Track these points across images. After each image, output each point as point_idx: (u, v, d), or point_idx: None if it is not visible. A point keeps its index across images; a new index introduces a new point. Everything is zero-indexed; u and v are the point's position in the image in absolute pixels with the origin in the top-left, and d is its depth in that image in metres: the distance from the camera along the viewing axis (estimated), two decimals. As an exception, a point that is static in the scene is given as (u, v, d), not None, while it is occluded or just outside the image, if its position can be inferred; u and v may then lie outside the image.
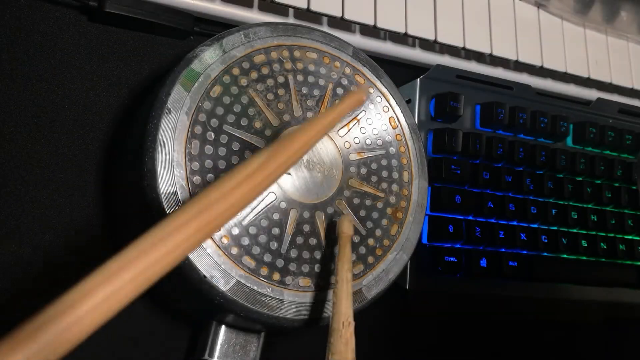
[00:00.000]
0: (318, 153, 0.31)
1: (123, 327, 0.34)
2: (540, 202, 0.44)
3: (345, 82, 0.33)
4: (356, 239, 0.31)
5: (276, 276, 0.28)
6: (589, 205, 0.47)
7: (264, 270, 0.28)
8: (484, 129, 0.44)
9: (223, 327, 0.31)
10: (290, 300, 0.28)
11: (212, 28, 0.38)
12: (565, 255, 0.45)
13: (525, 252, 0.43)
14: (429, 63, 0.45)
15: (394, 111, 0.34)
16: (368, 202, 0.32)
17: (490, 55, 0.46)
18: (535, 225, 0.44)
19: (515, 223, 0.43)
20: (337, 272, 0.27)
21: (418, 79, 0.42)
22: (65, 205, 0.34)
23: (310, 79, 0.32)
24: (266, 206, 0.29)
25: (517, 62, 0.47)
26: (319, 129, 0.23)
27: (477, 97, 0.44)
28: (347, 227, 0.29)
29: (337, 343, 0.25)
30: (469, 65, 0.47)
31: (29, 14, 0.35)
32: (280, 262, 0.29)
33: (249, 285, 0.27)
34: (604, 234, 0.47)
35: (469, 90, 0.44)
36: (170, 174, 0.27)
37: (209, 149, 0.28)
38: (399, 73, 0.44)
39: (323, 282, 0.29)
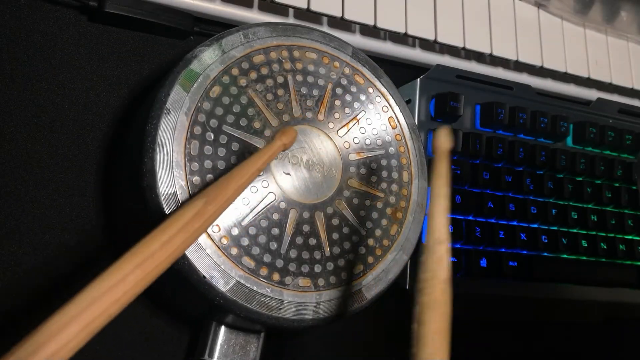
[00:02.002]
0: (318, 153, 0.31)
1: (123, 328, 0.34)
2: (540, 202, 0.44)
3: (344, 82, 0.33)
4: (356, 239, 0.31)
5: (276, 276, 0.28)
6: (589, 205, 0.46)
7: (264, 271, 0.28)
8: (484, 129, 0.44)
9: (223, 328, 0.31)
10: (290, 301, 0.28)
11: (211, 28, 0.38)
12: (565, 255, 0.45)
13: (525, 252, 0.43)
14: (429, 63, 0.45)
15: (393, 111, 0.34)
16: (367, 202, 0.32)
17: (490, 55, 0.46)
18: (535, 225, 0.44)
19: (515, 223, 0.43)
20: (432, 188, 0.25)
21: (418, 79, 0.42)
22: (65, 205, 0.34)
23: (310, 79, 0.32)
24: (266, 206, 0.29)
25: (517, 62, 0.47)
26: (251, 173, 0.25)
27: (477, 97, 0.44)
28: (443, 141, 0.26)
29: (429, 261, 0.23)
30: (469, 65, 0.47)
31: (29, 14, 0.35)
32: (279, 263, 0.29)
33: (248, 285, 0.27)
34: (604, 234, 0.47)
35: (469, 90, 0.44)
36: (170, 174, 0.27)
37: (208, 150, 0.28)
38: (399, 73, 0.44)
39: (323, 283, 0.29)
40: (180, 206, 0.22)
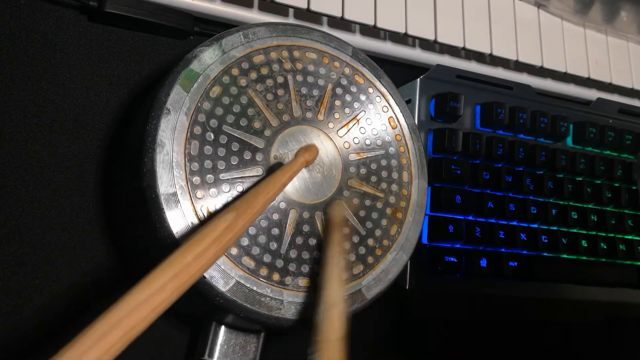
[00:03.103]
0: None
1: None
2: (540, 202, 0.44)
3: (344, 82, 0.33)
4: (356, 239, 0.31)
5: (276, 276, 0.28)
6: (589, 205, 0.47)
7: (264, 271, 0.28)
8: (484, 129, 0.44)
9: (223, 328, 0.31)
10: (290, 301, 0.28)
11: (212, 28, 0.38)
12: (565, 255, 0.45)
13: (525, 252, 0.43)
14: (429, 63, 0.45)
15: (393, 111, 0.34)
16: (368, 203, 0.32)
17: (490, 55, 0.46)
18: (535, 225, 0.44)
19: (515, 223, 0.43)
20: (327, 256, 0.28)
21: (418, 79, 0.42)
22: (65, 205, 0.34)
23: (310, 79, 0.32)
24: (266, 206, 0.29)
25: (517, 62, 0.47)
26: (277, 189, 0.27)
27: (477, 97, 0.44)
28: (337, 213, 0.29)
29: (323, 324, 0.25)
30: (469, 65, 0.47)
31: (29, 14, 0.35)
32: (279, 263, 0.29)
33: (248, 285, 0.27)
34: (604, 234, 0.47)
35: (469, 90, 0.44)
36: (170, 174, 0.27)
37: (208, 150, 0.28)
38: (399, 73, 0.44)
39: (322, 283, 0.29)
40: (211, 219, 0.23)
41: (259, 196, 0.25)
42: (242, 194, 0.28)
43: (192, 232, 0.27)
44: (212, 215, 0.27)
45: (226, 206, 0.27)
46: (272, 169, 0.30)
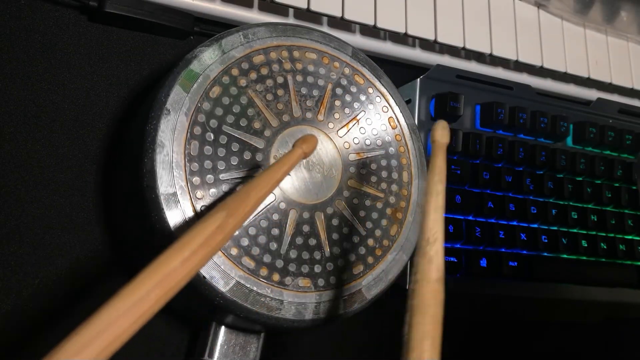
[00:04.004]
0: (317, 153, 0.31)
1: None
2: (540, 202, 0.44)
3: (344, 82, 0.33)
4: (356, 239, 0.31)
5: (276, 277, 0.28)
6: (589, 205, 0.47)
7: (264, 271, 0.28)
8: (484, 129, 0.44)
9: (223, 328, 0.31)
10: (290, 301, 0.28)
11: (212, 28, 0.38)
12: (565, 255, 0.45)
13: (525, 252, 0.43)
14: (429, 63, 0.45)
15: (393, 111, 0.34)
16: (367, 203, 0.32)
17: (490, 55, 0.46)
18: (535, 225, 0.44)
19: (515, 223, 0.43)
20: (428, 184, 0.24)
21: (418, 79, 0.42)
22: (65, 205, 0.34)
23: (310, 79, 0.32)
24: (265, 207, 0.29)
25: (517, 62, 0.47)
26: (272, 184, 0.24)
27: (477, 97, 0.44)
28: (440, 134, 0.26)
29: (420, 262, 0.22)
30: (469, 65, 0.47)
31: (29, 14, 0.35)
32: (279, 263, 0.29)
33: (248, 286, 0.27)
34: (604, 234, 0.47)
35: (469, 90, 0.44)
36: (170, 174, 0.27)
37: (208, 150, 0.28)
38: (399, 73, 0.44)
39: (323, 283, 0.29)
40: (200, 219, 0.21)
41: (251, 193, 0.23)
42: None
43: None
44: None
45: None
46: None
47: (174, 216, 0.26)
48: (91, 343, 0.16)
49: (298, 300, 0.29)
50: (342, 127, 0.32)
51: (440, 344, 0.20)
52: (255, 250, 0.28)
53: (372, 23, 0.41)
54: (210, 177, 0.28)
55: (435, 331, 0.21)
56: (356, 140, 0.33)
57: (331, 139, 0.32)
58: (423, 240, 0.22)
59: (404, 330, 0.21)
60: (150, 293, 0.18)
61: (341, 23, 0.41)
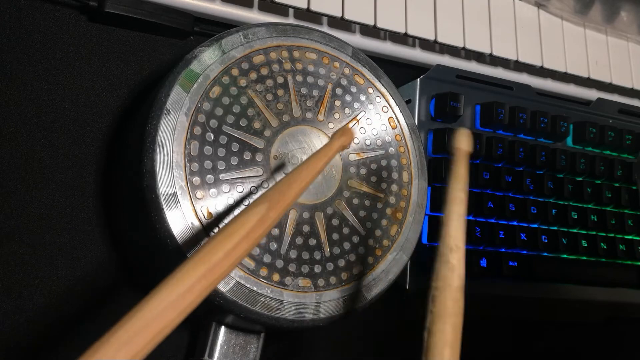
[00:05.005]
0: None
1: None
2: (540, 202, 0.44)
3: (344, 82, 0.33)
4: (356, 239, 0.31)
5: (276, 277, 0.28)
6: (589, 205, 0.46)
7: (264, 271, 0.28)
8: (484, 129, 0.44)
9: (223, 328, 0.31)
10: (290, 301, 0.28)
11: (212, 28, 0.38)
12: (565, 255, 0.45)
13: (525, 252, 0.43)
14: (429, 63, 0.45)
15: (393, 111, 0.34)
16: (367, 203, 0.32)
17: (490, 55, 0.46)
18: (535, 225, 0.44)
19: (515, 223, 0.43)
20: (449, 191, 0.24)
21: (418, 79, 0.42)
22: (65, 205, 0.34)
23: (310, 79, 0.32)
24: (266, 207, 0.29)
25: (517, 62, 0.47)
26: (312, 176, 0.24)
27: (477, 97, 0.44)
28: (462, 141, 0.25)
29: (441, 269, 0.22)
30: (469, 65, 0.47)
31: (29, 14, 0.35)
32: (279, 263, 0.29)
33: (248, 286, 0.27)
34: (604, 234, 0.47)
35: (469, 90, 0.44)
36: (170, 174, 0.27)
37: (208, 150, 0.28)
38: (399, 73, 0.44)
39: (323, 283, 0.29)
40: (242, 211, 0.21)
41: (292, 185, 0.23)
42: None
43: (191, 232, 0.27)
44: (212, 216, 0.27)
45: (232, 205, 0.27)
46: (272, 169, 0.30)
47: (174, 216, 0.26)
48: (136, 336, 0.16)
49: (298, 300, 0.29)
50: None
51: (459, 353, 0.21)
52: (255, 250, 0.28)
53: (372, 23, 0.41)
54: (210, 177, 0.28)
55: (455, 340, 0.21)
56: (356, 140, 0.33)
57: (331, 139, 0.32)
58: (445, 248, 0.22)
59: (423, 335, 0.21)
60: (196, 285, 0.18)
61: (341, 23, 0.41)
